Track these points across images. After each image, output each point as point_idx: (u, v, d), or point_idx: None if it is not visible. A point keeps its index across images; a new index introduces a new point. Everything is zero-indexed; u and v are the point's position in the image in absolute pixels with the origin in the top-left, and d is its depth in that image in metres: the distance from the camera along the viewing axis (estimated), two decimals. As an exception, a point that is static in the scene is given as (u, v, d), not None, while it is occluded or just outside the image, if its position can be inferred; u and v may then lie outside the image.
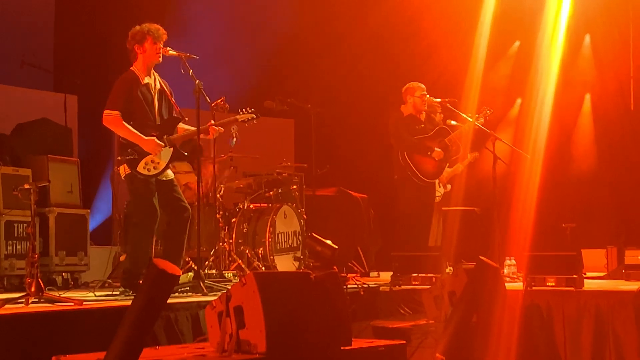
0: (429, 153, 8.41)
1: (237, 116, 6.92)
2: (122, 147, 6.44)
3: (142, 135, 6.40)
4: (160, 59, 6.56)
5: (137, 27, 6.51)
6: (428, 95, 8.52)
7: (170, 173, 6.66)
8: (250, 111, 6.95)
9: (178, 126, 6.68)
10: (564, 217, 9.78)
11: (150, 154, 6.41)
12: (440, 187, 8.82)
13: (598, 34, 10.82)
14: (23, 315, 4.71)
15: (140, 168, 6.40)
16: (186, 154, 6.73)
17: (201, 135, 6.66)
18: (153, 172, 6.45)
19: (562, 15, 10.32)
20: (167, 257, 6.47)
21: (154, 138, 6.43)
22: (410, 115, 8.57)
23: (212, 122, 6.76)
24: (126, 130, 6.39)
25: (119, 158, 6.42)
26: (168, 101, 6.67)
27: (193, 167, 8.46)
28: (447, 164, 8.87)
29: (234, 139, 7.49)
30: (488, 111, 8.46)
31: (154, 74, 6.62)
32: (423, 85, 8.57)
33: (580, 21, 10.49)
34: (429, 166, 8.47)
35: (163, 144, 6.46)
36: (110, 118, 6.37)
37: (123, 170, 6.43)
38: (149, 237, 6.54)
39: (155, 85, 6.58)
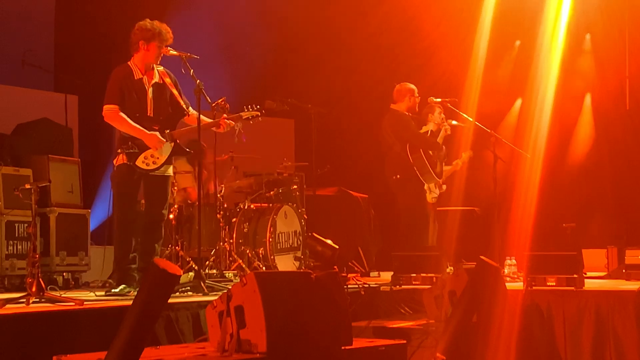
0: (440, 149, 8.42)
1: (242, 113, 6.91)
2: (123, 140, 6.44)
3: (144, 130, 6.41)
4: (159, 61, 6.57)
5: (148, 24, 6.49)
6: (428, 96, 8.54)
7: (169, 170, 6.66)
8: (255, 108, 6.94)
9: (184, 122, 6.69)
10: (565, 217, 9.78)
11: (151, 148, 6.42)
12: (436, 188, 8.78)
13: (598, 34, 10.81)
14: (24, 315, 4.72)
15: (139, 162, 6.41)
16: (188, 149, 6.73)
17: (212, 128, 6.72)
18: (152, 166, 6.46)
19: (563, 15, 10.31)
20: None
21: (157, 133, 6.44)
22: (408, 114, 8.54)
23: (225, 115, 6.75)
24: (127, 124, 6.40)
25: (119, 150, 6.43)
26: (169, 95, 6.64)
27: (193, 167, 8.47)
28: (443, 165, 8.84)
29: (242, 135, 7.27)
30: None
31: (154, 67, 6.59)
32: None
33: (580, 21, 10.48)
34: (434, 165, 8.44)
35: (165, 140, 6.47)
36: (110, 113, 6.40)
37: (116, 160, 6.44)
38: (127, 235, 6.51)
39: (151, 80, 6.56)
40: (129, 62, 6.56)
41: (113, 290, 6.31)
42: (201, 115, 6.60)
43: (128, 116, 6.41)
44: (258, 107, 6.95)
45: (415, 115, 8.59)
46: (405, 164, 8.30)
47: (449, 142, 8.75)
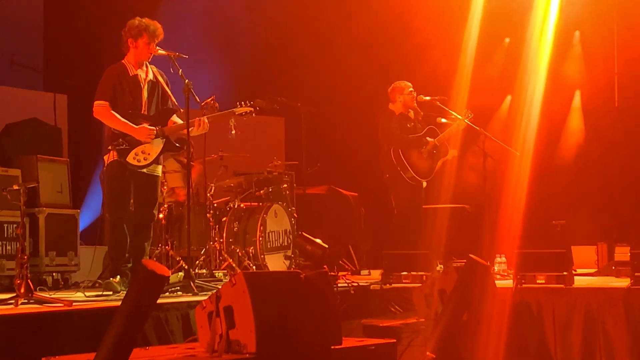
0: (424, 146, 8.43)
1: (235, 109, 6.91)
2: (114, 137, 6.44)
3: (132, 125, 6.41)
4: (150, 59, 6.58)
5: (136, 21, 6.51)
6: (418, 94, 8.55)
7: (158, 169, 6.65)
8: (248, 104, 6.94)
9: (173, 119, 6.67)
10: (554, 214, 9.78)
11: (141, 144, 6.41)
12: None
13: (587, 31, 10.83)
14: (12, 317, 4.70)
15: (130, 158, 6.41)
16: (178, 145, 6.71)
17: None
18: (143, 162, 6.45)
19: (552, 11, 10.32)
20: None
21: (145, 126, 6.43)
22: (401, 113, 8.60)
23: (204, 116, 6.72)
24: (116, 121, 6.40)
25: (110, 147, 6.42)
26: (162, 93, 6.66)
27: (182, 166, 8.46)
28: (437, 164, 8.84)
29: (233, 131, 7.21)
30: (470, 114, 8.47)
31: (148, 65, 6.63)
32: (410, 84, 8.60)
33: (569, 18, 10.49)
34: (421, 165, 8.47)
35: (154, 130, 6.45)
36: (100, 109, 6.42)
37: (107, 158, 6.44)
38: (122, 233, 6.50)
39: (146, 77, 6.58)
40: (122, 61, 6.58)
41: (111, 279, 6.31)
42: (178, 118, 6.62)
43: (121, 113, 6.42)
44: (251, 103, 6.95)
45: (417, 111, 8.63)
46: (391, 163, 8.38)
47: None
